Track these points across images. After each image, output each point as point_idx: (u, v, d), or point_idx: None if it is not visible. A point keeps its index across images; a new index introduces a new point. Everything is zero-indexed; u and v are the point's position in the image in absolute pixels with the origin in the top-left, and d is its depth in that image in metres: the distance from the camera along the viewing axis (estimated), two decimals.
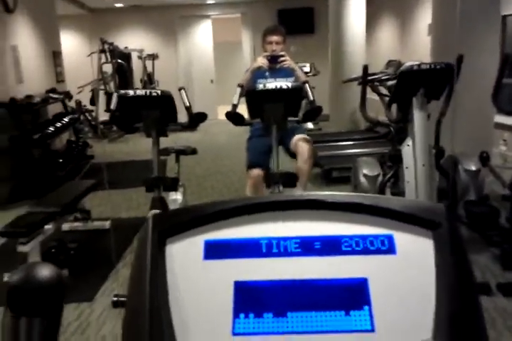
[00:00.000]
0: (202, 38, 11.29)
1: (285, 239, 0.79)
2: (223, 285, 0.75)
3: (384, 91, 3.97)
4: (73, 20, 10.09)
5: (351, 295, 0.73)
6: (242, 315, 0.72)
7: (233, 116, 3.02)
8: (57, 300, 0.60)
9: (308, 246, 0.78)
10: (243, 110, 3.00)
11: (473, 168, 3.52)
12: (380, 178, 3.44)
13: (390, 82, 3.66)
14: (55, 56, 7.30)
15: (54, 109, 6.62)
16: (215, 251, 0.78)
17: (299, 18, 10.53)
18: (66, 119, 6.47)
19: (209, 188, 5.44)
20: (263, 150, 3.42)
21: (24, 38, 6.33)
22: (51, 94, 6.50)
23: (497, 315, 2.51)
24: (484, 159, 3.55)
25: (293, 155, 3.53)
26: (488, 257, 3.19)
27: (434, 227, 0.77)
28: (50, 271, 0.61)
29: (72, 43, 10.35)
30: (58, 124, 6.13)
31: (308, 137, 3.57)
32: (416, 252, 0.76)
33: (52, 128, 5.86)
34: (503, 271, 2.98)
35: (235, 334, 0.71)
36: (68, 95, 7.00)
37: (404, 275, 0.74)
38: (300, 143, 3.42)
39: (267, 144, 3.20)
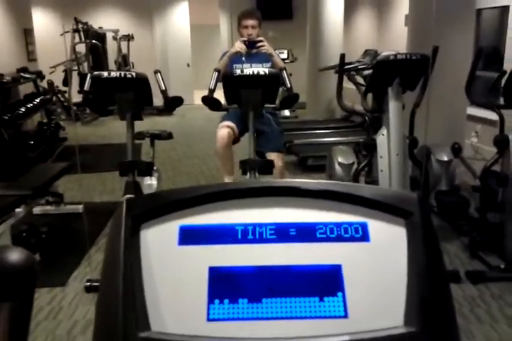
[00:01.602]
0: (178, 19, 11.10)
1: (260, 225, 0.79)
2: (198, 271, 0.75)
3: (360, 80, 3.99)
4: None
5: (325, 282, 0.74)
6: (216, 301, 0.72)
7: (210, 101, 2.99)
8: (28, 284, 0.59)
9: (283, 233, 0.78)
10: (220, 95, 2.98)
11: (445, 159, 3.59)
12: (355, 167, 3.47)
13: (366, 72, 3.68)
14: (26, 34, 7.07)
15: (25, 88, 6.44)
16: (189, 236, 0.78)
17: (278, 3, 10.43)
18: (38, 100, 6.30)
19: (184, 173, 5.41)
20: (239, 117, 3.46)
21: None
22: (22, 74, 6.32)
23: (465, 303, 2.59)
24: (456, 150, 3.62)
25: (262, 157, 3.55)
26: (457, 246, 3.27)
27: (407, 216, 0.79)
28: (21, 254, 0.59)
29: (44, 21, 10.04)
30: (29, 105, 5.97)
31: (281, 154, 3.61)
32: (389, 240, 0.77)
33: (23, 109, 5.71)
34: (471, 260, 3.06)
35: (209, 319, 0.71)
36: (40, 75, 6.80)
37: (377, 262, 0.75)
38: (275, 159, 3.42)
39: (244, 118, 3.18)
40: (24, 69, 6.48)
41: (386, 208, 0.80)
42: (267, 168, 3.05)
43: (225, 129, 3.48)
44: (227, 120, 3.56)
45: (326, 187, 0.82)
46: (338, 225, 0.79)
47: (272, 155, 3.46)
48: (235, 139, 3.57)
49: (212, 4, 11.59)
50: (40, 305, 2.67)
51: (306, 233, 0.78)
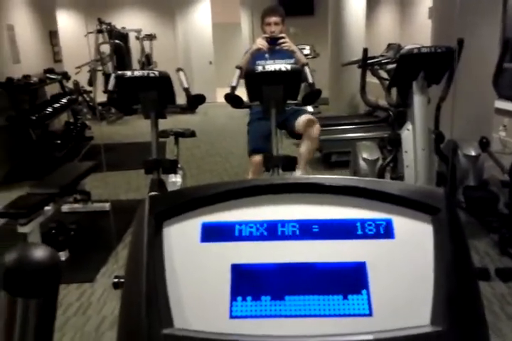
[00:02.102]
0: (200, 18, 11.14)
1: (283, 222, 0.78)
2: (220, 268, 0.74)
3: (384, 74, 3.93)
4: None
5: (349, 279, 0.72)
6: (239, 298, 0.72)
7: (232, 99, 2.99)
8: (52, 280, 0.60)
9: (306, 230, 0.77)
10: (242, 92, 2.97)
11: (473, 153, 3.52)
12: (380, 162, 3.43)
13: (389, 66, 3.62)
14: (51, 36, 7.21)
15: (52, 89, 6.56)
16: (212, 233, 0.78)
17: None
18: (64, 100, 6.41)
19: (208, 171, 5.44)
20: (264, 134, 3.40)
21: (20, 17, 6.23)
22: (49, 75, 6.44)
23: (495, 300, 2.53)
24: (484, 144, 3.54)
25: (297, 136, 3.50)
26: (486, 243, 3.20)
27: (434, 212, 0.77)
28: (45, 251, 0.60)
29: (68, 23, 10.21)
30: (56, 105, 6.08)
31: (314, 118, 3.53)
32: (415, 237, 0.76)
33: (50, 109, 5.82)
34: (501, 257, 2.99)
35: (232, 317, 0.71)
36: (66, 76, 6.92)
37: (403, 259, 0.74)
38: (307, 123, 3.38)
39: (268, 128, 3.18)
40: (50, 70, 6.61)
41: (411, 204, 0.78)
42: (290, 164, 3.04)
43: (255, 162, 3.43)
44: (254, 149, 3.47)
45: (349, 183, 0.81)
46: (362, 222, 0.78)
47: (301, 119, 3.41)
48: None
49: (233, 2, 11.59)
50: (69, 301, 2.72)
51: (329, 230, 0.77)
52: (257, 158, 3.41)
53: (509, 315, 2.41)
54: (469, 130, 4.03)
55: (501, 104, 4.94)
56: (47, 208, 3.31)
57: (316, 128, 3.43)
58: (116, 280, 0.87)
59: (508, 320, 2.37)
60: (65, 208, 4.11)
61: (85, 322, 2.54)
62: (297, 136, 3.49)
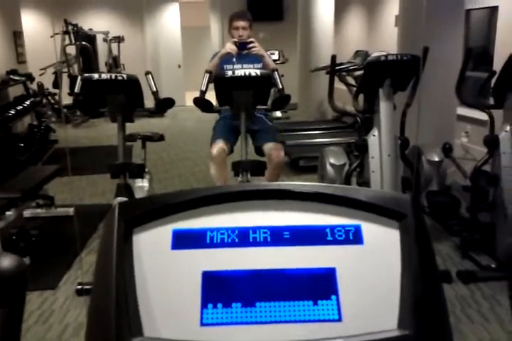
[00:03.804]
0: (169, 21, 11.08)
1: (254, 228, 0.79)
2: (191, 275, 0.74)
3: (351, 81, 4.00)
4: None
5: (319, 285, 0.73)
6: (210, 305, 0.72)
7: (201, 103, 2.98)
8: (18, 290, 0.58)
9: (277, 236, 0.78)
10: (211, 96, 2.97)
11: (436, 159, 3.61)
12: (347, 168, 3.48)
13: (357, 72, 3.69)
14: (15, 36, 7.03)
15: (15, 91, 6.39)
16: (183, 240, 0.77)
17: (268, 5, 10.44)
18: (28, 102, 6.25)
19: (176, 175, 5.39)
20: (229, 128, 3.41)
21: None
22: (12, 76, 6.27)
23: (456, 302, 2.60)
24: (447, 150, 3.63)
25: (261, 154, 3.52)
26: (448, 246, 3.28)
27: (400, 218, 0.79)
28: (11, 261, 0.59)
29: (34, 23, 9.97)
30: (19, 107, 5.92)
31: (280, 145, 3.55)
32: (382, 242, 0.77)
33: (13, 111, 5.66)
34: (462, 259, 3.08)
35: (203, 324, 0.71)
36: (30, 77, 6.75)
37: (371, 265, 0.75)
38: (273, 152, 3.39)
39: (235, 125, 3.18)
40: (14, 72, 6.44)
41: (379, 210, 0.80)
42: (260, 169, 3.05)
43: (217, 149, 3.40)
44: (217, 137, 3.47)
45: (319, 190, 0.82)
46: (332, 228, 0.79)
47: (268, 146, 3.43)
48: (228, 153, 3.51)
49: (202, 6, 11.59)
50: (30, 309, 2.64)
51: (300, 236, 0.78)
52: (218, 144, 3.38)
53: (470, 316, 2.48)
54: (433, 136, 4.13)
55: (463, 111, 5.10)
56: (8, 213, 3.22)
57: (280, 156, 3.46)
58: (79, 287, 0.85)
59: (468, 321, 2.44)
60: (27, 213, 4.00)
61: (47, 330, 2.47)
62: (261, 153, 3.52)
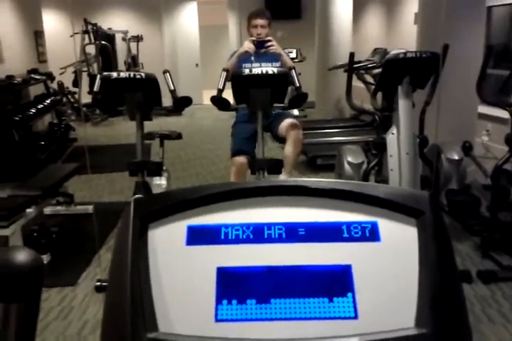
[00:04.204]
0: (187, 20, 11.12)
1: (269, 225, 0.78)
2: (206, 271, 0.74)
3: (370, 79, 3.96)
4: None
5: (335, 282, 0.73)
6: (225, 302, 0.72)
7: (218, 101, 2.98)
8: (35, 285, 0.59)
9: (292, 233, 0.77)
10: (229, 95, 2.97)
11: (456, 158, 3.56)
12: (365, 166, 3.45)
13: (375, 70, 3.66)
14: (36, 36, 7.13)
15: (36, 90, 6.48)
16: (197, 236, 0.77)
17: (286, 3, 10.41)
18: (48, 101, 6.33)
19: (193, 174, 5.41)
20: (248, 136, 3.40)
21: (4, 17, 6.15)
22: (33, 75, 6.35)
23: (476, 302, 2.56)
24: (467, 149, 3.58)
25: (281, 140, 3.50)
26: (468, 245, 3.23)
27: (418, 215, 0.77)
28: (28, 255, 0.59)
29: (54, 23, 10.11)
30: (40, 106, 6.00)
31: (297, 122, 3.54)
32: (400, 239, 0.76)
33: (33, 110, 5.73)
34: (482, 259, 3.03)
35: (217, 320, 0.70)
36: (50, 76, 6.84)
37: (388, 262, 0.74)
38: (290, 127, 3.38)
39: (253, 130, 3.18)
40: (34, 71, 6.52)
41: (397, 207, 0.78)
42: (276, 167, 3.04)
43: (237, 165, 3.39)
44: (238, 151, 3.44)
45: (335, 186, 0.81)
46: (348, 225, 0.78)
47: (285, 123, 3.41)
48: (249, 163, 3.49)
49: (220, 5, 11.60)
50: (50, 305, 2.68)
51: (315, 233, 0.77)
52: (240, 159, 3.40)
53: (490, 317, 2.44)
54: (453, 134, 4.08)
55: (484, 109, 5.01)
56: (29, 210, 3.26)
57: (299, 132, 3.44)
58: (98, 283, 0.86)
59: (489, 322, 2.40)
60: (48, 210, 4.05)
61: (67, 326, 2.50)
62: (281, 139, 3.50)
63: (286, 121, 3.43)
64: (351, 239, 0.77)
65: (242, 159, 3.38)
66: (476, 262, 3.01)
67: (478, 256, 3.08)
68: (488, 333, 2.30)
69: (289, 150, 3.38)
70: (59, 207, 4.11)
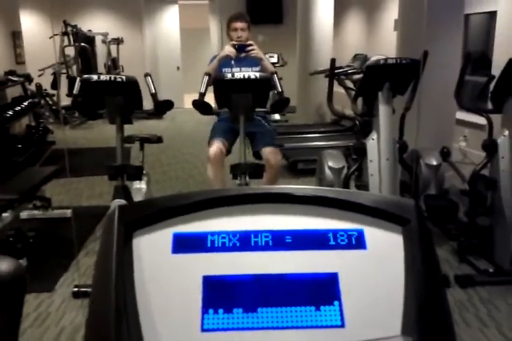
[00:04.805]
0: (169, 23, 11.08)
1: (255, 232, 0.78)
2: (192, 279, 0.73)
3: (350, 84, 4.00)
4: None
5: (322, 291, 0.72)
6: (211, 311, 0.71)
7: (200, 105, 2.98)
8: (17, 295, 0.57)
9: (279, 240, 0.77)
10: (210, 98, 2.97)
11: (434, 163, 3.61)
12: (345, 171, 3.47)
13: (356, 76, 3.70)
14: (14, 36, 7.01)
15: (13, 92, 6.37)
16: (184, 244, 0.77)
17: (268, 8, 10.45)
18: (26, 103, 6.23)
19: (174, 178, 5.38)
20: (228, 130, 3.42)
21: None
22: (10, 77, 6.25)
23: (454, 306, 2.59)
24: (445, 154, 3.63)
25: (259, 157, 3.52)
26: (446, 250, 3.28)
27: (404, 223, 0.78)
28: (10, 264, 0.58)
29: (33, 24, 9.95)
30: (17, 108, 5.90)
31: (278, 149, 3.56)
32: (385, 247, 0.77)
33: (10, 112, 5.64)
34: (460, 264, 3.07)
35: (204, 330, 0.70)
36: (28, 78, 6.73)
37: (374, 270, 0.74)
38: (271, 156, 3.40)
39: (233, 127, 3.18)
40: (12, 72, 6.42)
41: (383, 215, 0.79)
42: (258, 171, 3.05)
43: (214, 148, 3.40)
44: (216, 137, 3.47)
45: (321, 194, 0.81)
46: (335, 232, 0.78)
47: (266, 150, 3.44)
48: (226, 154, 3.52)
49: (202, 8, 11.60)
50: (26, 311, 2.62)
51: (302, 240, 0.77)
52: (216, 144, 3.39)
53: (468, 321, 2.47)
54: (431, 140, 4.14)
55: (462, 115, 5.10)
56: (5, 215, 3.20)
57: (278, 160, 3.49)
58: (76, 289, 0.84)
59: (466, 326, 2.43)
60: (24, 215, 3.97)
61: (43, 333, 2.45)
62: (259, 157, 3.52)
63: (268, 149, 3.45)
64: (337, 246, 0.77)
65: (219, 144, 3.39)
66: (453, 266, 3.05)
67: (455, 260, 3.12)
68: (465, 337, 2.33)
69: (268, 177, 3.39)
70: (36, 211, 4.04)
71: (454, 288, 2.76)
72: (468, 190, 3.18)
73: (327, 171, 3.55)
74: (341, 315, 0.71)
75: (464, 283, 2.80)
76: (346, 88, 3.92)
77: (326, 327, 0.70)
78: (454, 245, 3.27)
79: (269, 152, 3.43)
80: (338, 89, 3.61)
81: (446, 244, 3.37)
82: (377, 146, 3.06)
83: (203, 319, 0.71)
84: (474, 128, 5.46)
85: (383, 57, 3.27)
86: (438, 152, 3.70)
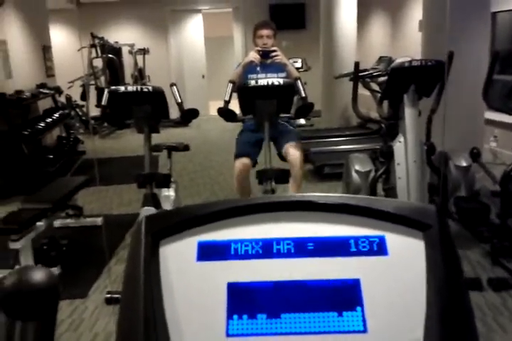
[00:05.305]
0: (193, 32, 11.23)
1: (278, 240, 0.79)
2: (217, 286, 0.75)
3: (375, 87, 3.98)
4: (63, 14, 9.98)
5: (344, 296, 0.73)
6: (235, 316, 0.73)
7: (225, 113, 3.02)
8: (51, 303, 0.60)
9: (301, 248, 0.78)
10: (235, 105, 3.00)
11: (464, 164, 3.55)
12: (372, 174, 3.45)
13: (381, 79, 3.67)
14: (44, 50, 7.23)
15: (44, 104, 6.57)
16: (208, 252, 0.79)
17: (291, 14, 10.51)
18: (57, 115, 6.42)
19: (201, 184, 5.44)
20: (252, 142, 3.43)
21: (13, 32, 6.26)
22: (41, 89, 6.44)
23: (487, 311, 2.54)
24: (475, 155, 3.57)
25: (284, 159, 3.52)
26: (478, 253, 3.22)
27: (425, 228, 0.78)
28: (44, 274, 0.61)
29: (62, 38, 10.25)
30: (49, 120, 6.08)
31: (299, 144, 3.54)
32: (407, 253, 0.77)
33: (42, 124, 5.82)
34: (493, 266, 3.01)
35: (228, 335, 0.71)
36: (58, 90, 6.94)
37: (396, 276, 0.75)
38: (291, 151, 3.39)
39: (258, 138, 3.21)
40: (43, 85, 6.62)
41: (404, 221, 0.79)
42: (283, 177, 3.06)
43: (240, 166, 3.42)
44: (241, 153, 3.48)
45: (342, 201, 0.82)
46: (356, 239, 0.79)
47: (288, 146, 3.44)
48: (253, 166, 3.50)
49: (226, 16, 11.71)
50: (61, 317, 2.69)
51: (323, 247, 0.78)
52: (242, 159, 3.41)
53: (501, 325, 2.42)
54: (460, 141, 4.07)
55: (491, 115, 5.00)
56: (39, 223, 3.29)
57: (299, 159, 3.42)
58: (108, 295, 0.87)
59: (500, 330, 2.38)
60: (57, 223, 4.08)
61: (77, 338, 2.51)
62: (284, 158, 3.52)
63: (288, 144, 3.44)
64: (359, 253, 0.78)
65: (244, 159, 3.41)
66: (486, 269, 2.99)
67: (488, 263, 3.06)
68: None
69: (291, 175, 3.36)
70: (68, 220, 4.14)
71: (487, 292, 2.71)
72: (500, 191, 3.12)
73: (354, 175, 3.53)
74: (364, 320, 0.72)
75: (497, 286, 2.74)
76: (372, 91, 3.89)
77: (349, 332, 0.71)
78: (486, 248, 3.21)
79: (289, 146, 3.42)
80: (363, 92, 3.59)
81: (477, 246, 3.30)
82: (404, 149, 3.04)
83: (227, 324, 0.72)
84: (505, 128, 5.34)
85: (408, 58, 3.24)
86: (467, 153, 3.64)
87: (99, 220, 4.12)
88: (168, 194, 3.64)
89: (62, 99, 7.28)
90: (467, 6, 4.23)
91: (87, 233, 4.00)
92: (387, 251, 0.77)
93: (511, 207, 3.04)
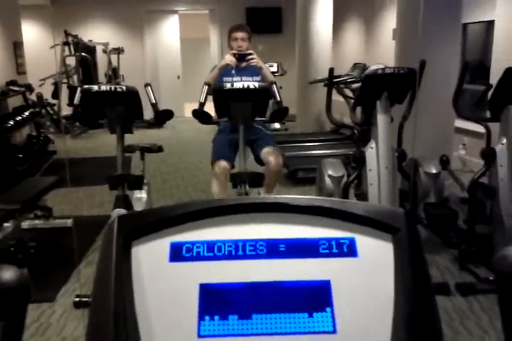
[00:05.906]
0: (169, 33, 11.18)
1: (250, 241, 0.80)
2: (189, 287, 0.75)
3: (349, 93, 4.04)
4: (36, 10, 9.78)
5: (314, 298, 0.74)
6: (207, 318, 0.73)
7: (200, 115, 3.01)
8: (21, 303, 0.59)
9: (273, 249, 0.79)
10: (210, 107, 3.00)
11: (434, 171, 3.62)
12: (345, 179, 3.49)
13: (355, 85, 3.73)
14: (16, 47, 7.07)
15: (14, 101, 6.42)
16: (180, 253, 0.79)
17: (267, 17, 10.57)
18: (27, 113, 6.27)
19: (174, 186, 5.40)
20: (229, 144, 3.43)
21: None
22: (11, 87, 6.30)
23: (455, 315, 2.60)
24: (444, 162, 3.65)
25: (261, 163, 3.53)
26: (447, 258, 3.29)
27: (394, 231, 0.80)
28: (14, 273, 0.60)
29: (34, 34, 10.05)
30: (18, 118, 5.94)
31: (277, 150, 3.56)
32: (376, 255, 0.78)
33: (11, 122, 5.68)
34: (460, 272, 3.08)
35: (200, 336, 0.71)
36: (29, 88, 6.79)
37: (365, 277, 0.76)
38: (273, 161, 3.40)
39: (234, 140, 3.21)
40: (13, 82, 6.47)
41: (373, 224, 0.81)
42: (257, 180, 3.07)
43: (219, 168, 3.41)
44: (219, 156, 3.47)
45: (314, 203, 0.83)
46: (327, 241, 0.80)
47: (265, 150, 3.45)
48: (231, 168, 3.49)
49: (202, 18, 11.70)
50: (27, 321, 2.62)
51: (295, 249, 0.79)
52: (221, 162, 3.40)
53: (468, 328, 2.47)
54: (430, 148, 4.16)
55: (461, 124, 5.13)
56: (6, 225, 3.22)
57: (279, 162, 3.45)
58: (77, 299, 0.86)
59: (467, 334, 2.43)
60: (25, 225, 3.99)
61: None
62: (261, 163, 3.53)
63: (266, 150, 3.46)
64: (330, 254, 0.79)
65: (223, 163, 3.40)
66: (454, 274, 3.06)
67: (456, 268, 3.13)
68: None
69: (268, 179, 3.36)
70: (37, 221, 4.05)
71: (455, 296, 2.77)
72: (468, 198, 3.19)
73: (327, 179, 3.57)
74: (333, 321, 0.73)
75: (464, 291, 2.80)
76: (345, 97, 3.95)
77: (319, 333, 0.72)
78: (455, 253, 3.28)
79: (268, 152, 3.44)
80: (337, 97, 3.64)
81: (446, 252, 3.38)
82: (376, 155, 3.08)
83: (199, 325, 0.72)
84: (474, 137, 5.48)
85: (382, 66, 3.30)
86: (437, 160, 3.72)
87: (69, 222, 4.05)
88: (141, 196, 3.60)
89: (33, 97, 7.13)
90: (439, 16, 4.33)
91: (56, 235, 3.92)
92: (357, 253, 0.79)
93: (479, 213, 3.12)
